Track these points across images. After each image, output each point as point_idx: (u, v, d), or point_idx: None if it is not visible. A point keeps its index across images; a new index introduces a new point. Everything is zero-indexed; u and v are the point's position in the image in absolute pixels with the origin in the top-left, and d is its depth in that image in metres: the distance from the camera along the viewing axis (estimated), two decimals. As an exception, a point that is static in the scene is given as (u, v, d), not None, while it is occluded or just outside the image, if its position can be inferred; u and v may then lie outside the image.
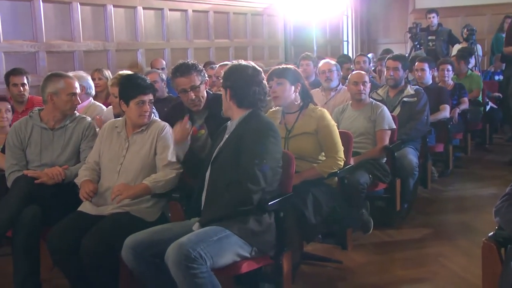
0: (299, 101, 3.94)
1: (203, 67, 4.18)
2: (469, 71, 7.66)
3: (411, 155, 5.01)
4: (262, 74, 3.23)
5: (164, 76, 5.64)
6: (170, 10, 8.19)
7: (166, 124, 3.60)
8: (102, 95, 5.75)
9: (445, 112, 6.06)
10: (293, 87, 3.89)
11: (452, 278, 3.90)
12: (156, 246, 2.90)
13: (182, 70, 3.79)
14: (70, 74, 4.08)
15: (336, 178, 3.93)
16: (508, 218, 2.61)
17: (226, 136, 3.18)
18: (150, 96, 3.52)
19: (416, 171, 5.02)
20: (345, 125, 4.75)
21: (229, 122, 3.26)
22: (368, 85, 4.89)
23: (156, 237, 2.97)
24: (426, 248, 4.42)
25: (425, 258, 4.23)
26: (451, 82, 6.88)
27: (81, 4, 6.90)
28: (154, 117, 3.68)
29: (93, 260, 3.10)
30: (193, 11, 8.59)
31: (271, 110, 4.14)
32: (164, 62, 7.41)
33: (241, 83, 3.14)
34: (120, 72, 4.32)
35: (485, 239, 2.68)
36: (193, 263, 2.68)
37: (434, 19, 9.35)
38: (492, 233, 2.69)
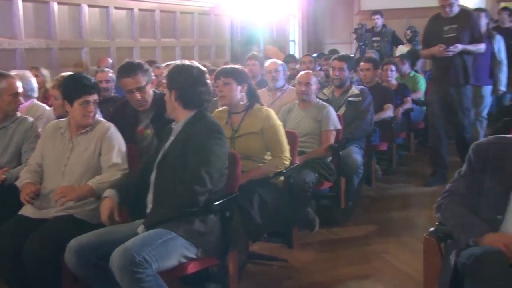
0: (245, 101, 3.96)
1: (146, 66, 4.13)
2: (413, 72, 7.85)
3: (356, 154, 5.09)
4: (207, 74, 3.23)
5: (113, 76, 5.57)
6: (115, 8, 8.10)
7: (111, 124, 3.55)
8: (39, 94, 5.60)
9: (389, 111, 6.19)
10: (239, 87, 3.91)
11: (396, 273, 3.99)
12: (101, 249, 2.86)
13: (128, 70, 3.76)
14: (14, 73, 3.99)
15: (282, 177, 3.96)
16: (448, 215, 2.69)
17: (172, 138, 3.16)
18: (95, 96, 3.47)
19: (361, 170, 5.11)
20: (292, 124, 4.79)
21: (173, 123, 3.25)
22: (314, 86, 4.94)
23: (101, 239, 2.93)
24: (371, 245, 4.51)
25: (370, 255, 4.31)
26: (394, 82, 7.04)
27: (23, 0, 6.74)
28: (99, 118, 3.62)
29: (36, 266, 3.01)
30: (139, 9, 8.52)
31: (217, 110, 4.14)
32: (110, 61, 7.31)
33: (187, 84, 3.12)
34: (63, 74, 4.23)
35: (426, 235, 2.76)
36: (138, 268, 2.66)
37: (379, 21, 9.54)
38: (433, 228, 2.77)
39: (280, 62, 5.81)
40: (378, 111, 5.98)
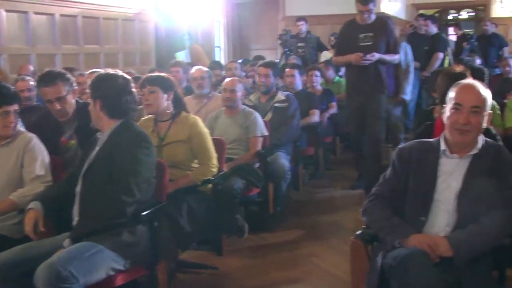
0: (171, 109, 3.94)
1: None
2: (337, 77, 8.02)
3: (283, 159, 5.15)
4: (132, 82, 3.19)
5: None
6: (35, 13, 7.84)
7: (33, 135, 3.44)
8: None
9: (315, 116, 6.31)
10: (165, 95, 3.89)
11: (324, 276, 4.06)
12: (24, 265, 2.76)
13: (47, 79, 3.66)
14: None
15: (210, 185, 3.96)
16: (374, 218, 2.78)
17: (97, 148, 3.09)
18: (15, 106, 3.36)
19: (288, 175, 5.17)
20: (218, 132, 4.80)
21: (98, 133, 3.19)
22: (240, 93, 4.97)
23: (24, 255, 2.82)
24: (300, 249, 4.57)
25: (299, 259, 4.37)
26: (319, 88, 7.17)
27: None
28: (20, 128, 3.51)
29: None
30: (61, 15, 8.28)
31: (143, 118, 4.10)
32: (32, 68, 7.07)
33: (112, 93, 3.07)
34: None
35: (353, 238, 2.83)
36: (64, 283, 2.58)
37: (303, 27, 9.68)
38: (359, 231, 2.85)
39: (205, 69, 5.80)
40: (304, 116, 6.07)
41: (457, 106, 2.68)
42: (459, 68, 3.80)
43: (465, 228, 2.57)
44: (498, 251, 2.64)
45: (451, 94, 2.75)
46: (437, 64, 8.23)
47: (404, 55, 6.78)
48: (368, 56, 5.48)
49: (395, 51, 5.79)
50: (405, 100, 7.18)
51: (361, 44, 5.60)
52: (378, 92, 5.76)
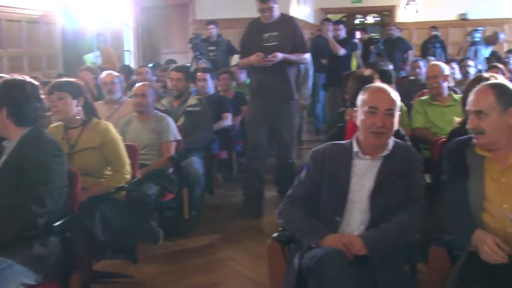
0: (82, 115, 3.84)
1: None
2: (248, 80, 8.08)
3: (197, 164, 5.13)
4: (41, 89, 3.08)
5: None
6: None
7: None
8: None
9: (227, 120, 6.33)
10: (75, 101, 3.79)
11: (242, 279, 4.09)
12: None
13: None
14: None
15: (124, 191, 3.90)
16: (290, 219, 2.82)
17: (4, 157, 2.96)
18: None
19: (202, 179, 5.16)
20: (131, 137, 4.72)
21: (5, 142, 3.05)
22: (151, 97, 4.91)
23: None
24: (216, 253, 4.57)
25: (216, 263, 4.37)
26: (231, 91, 7.20)
27: None
28: None
29: None
30: (-41, 17, 7.90)
31: (52, 125, 3.97)
32: None
33: (20, 100, 2.95)
34: None
35: (270, 240, 2.87)
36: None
37: (214, 30, 9.69)
38: (276, 234, 2.88)
39: (116, 73, 5.70)
40: (217, 120, 6.08)
41: (372, 110, 2.76)
42: (367, 71, 3.91)
43: (378, 226, 2.67)
44: (409, 247, 2.76)
45: (364, 97, 2.83)
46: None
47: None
48: (269, 57, 5.09)
49: (303, 49, 5.42)
50: (305, 106, 7.14)
51: (265, 44, 5.21)
52: (286, 98, 5.38)
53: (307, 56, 5.56)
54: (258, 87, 5.41)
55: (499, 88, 2.65)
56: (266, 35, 5.24)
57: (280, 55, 5.12)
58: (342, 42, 8.30)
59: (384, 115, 2.75)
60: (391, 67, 7.55)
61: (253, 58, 5.21)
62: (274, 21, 5.25)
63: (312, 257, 2.55)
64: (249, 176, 5.57)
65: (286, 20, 5.37)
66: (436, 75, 4.98)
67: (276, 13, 5.25)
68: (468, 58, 7.47)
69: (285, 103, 5.39)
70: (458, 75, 7.04)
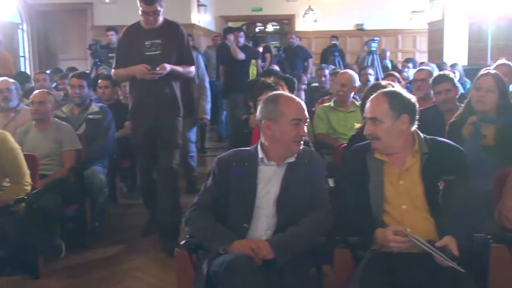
0: (-24, 125, 3.69)
1: None
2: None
3: (99, 173, 5.03)
4: None
5: None
6: None
7: None
8: None
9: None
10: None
11: (150, 289, 4.04)
12: None
13: None
14: None
15: (23, 204, 3.77)
16: (197, 226, 2.84)
17: None
18: None
19: (105, 189, 5.06)
20: (30, 147, 4.55)
21: None
22: (50, 105, 4.78)
23: None
24: (122, 264, 4.47)
25: (122, 274, 4.28)
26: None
27: None
28: None
29: None
30: None
31: None
32: None
33: None
34: None
35: (178, 248, 2.87)
36: None
37: (113, 37, 9.57)
38: (184, 241, 2.89)
39: (12, 80, 5.48)
40: (119, 128, 5.98)
41: (298, 121, 2.84)
42: (271, 79, 4.01)
43: (285, 230, 2.74)
44: (315, 249, 2.85)
45: (282, 109, 2.85)
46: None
47: (196, 68, 5.68)
48: (157, 69, 4.45)
49: (190, 61, 4.77)
50: (208, 121, 6.74)
51: (147, 53, 4.54)
52: (172, 115, 4.73)
53: (193, 69, 4.90)
54: (139, 104, 4.71)
55: (392, 96, 2.81)
56: (147, 43, 4.56)
57: (168, 67, 4.50)
58: (241, 49, 8.43)
59: (304, 125, 2.87)
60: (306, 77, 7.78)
61: (138, 70, 4.49)
62: (157, 27, 4.58)
63: (220, 263, 2.59)
64: (147, 197, 5.14)
65: (171, 27, 4.68)
66: (345, 84, 5.16)
67: (161, 17, 4.60)
68: (368, 66, 7.78)
69: (169, 121, 4.73)
70: (358, 83, 7.33)
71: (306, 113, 2.90)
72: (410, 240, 2.56)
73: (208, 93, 6.56)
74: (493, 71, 3.77)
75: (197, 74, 6.04)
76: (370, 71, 7.09)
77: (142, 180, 5.14)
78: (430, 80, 4.62)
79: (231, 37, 8.41)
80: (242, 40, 8.63)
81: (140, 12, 4.53)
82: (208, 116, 6.53)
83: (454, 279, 2.49)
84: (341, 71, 5.89)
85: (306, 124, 2.90)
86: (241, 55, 8.26)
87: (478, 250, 2.65)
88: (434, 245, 2.52)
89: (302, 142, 2.88)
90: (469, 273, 2.51)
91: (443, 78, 4.38)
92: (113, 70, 4.87)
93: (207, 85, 6.53)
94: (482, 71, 3.83)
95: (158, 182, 4.80)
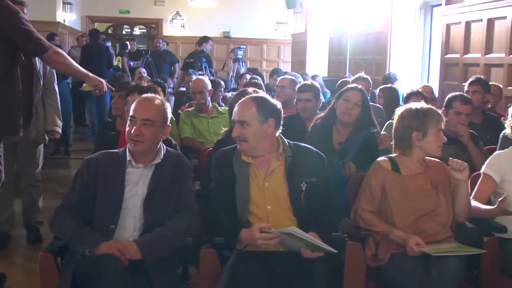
0: None
1: None
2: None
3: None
4: None
5: None
6: None
7: None
8: None
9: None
10: None
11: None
12: None
13: None
14: None
15: None
16: (63, 228, 2.79)
17: None
18: None
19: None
20: None
21: None
22: None
23: None
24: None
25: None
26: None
27: None
28: None
29: None
30: None
31: None
32: None
33: None
34: None
35: (42, 252, 2.79)
36: None
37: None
38: (48, 244, 2.83)
39: None
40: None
41: (132, 118, 2.90)
42: (144, 82, 4.02)
43: (152, 231, 2.78)
44: (182, 250, 2.92)
45: (132, 106, 2.96)
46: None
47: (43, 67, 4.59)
48: None
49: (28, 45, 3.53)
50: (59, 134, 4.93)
51: None
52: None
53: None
54: None
55: (260, 101, 2.97)
56: None
57: None
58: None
59: (141, 124, 2.88)
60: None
61: None
62: None
63: (86, 265, 2.58)
64: None
65: None
66: (202, 91, 5.23)
67: None
68: (246, 73, 8.00)
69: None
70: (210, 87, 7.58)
71: (147, 114, 2.89)
72: (277, 236, 2.69)
73: (56, 96, 4.82)
74: (360, 87, 4.01)
75: (45, 74, 4.64)
76: (248, 76, 7.31)
77: None
78: (291, 88, 4.84)
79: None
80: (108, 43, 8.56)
81: None
82: (59, 129, 4.81)
83: (315, 273, 2.67)
84: (194, 78, 5.86)
85: (150, 126, 2.89)
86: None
87: (335, 246, 2.85)
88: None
89: (138, 142, 2.87)
90: (327, 267, 2.71)
91: (306, 88, 4.61)
92: None
93: (55, 87, 4.81)
94: (351, 85, 4.08)
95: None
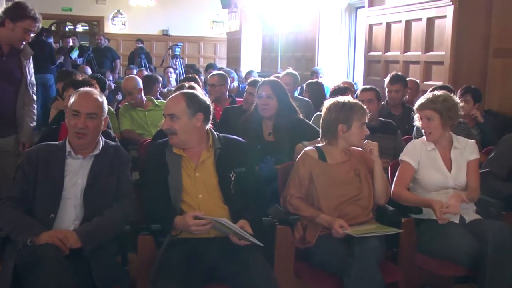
0: None
1: None
2: None
3: None
4: None
5: None
6: None
7: None
8: None
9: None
10: None
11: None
12: None
13: None
14: None
15: None
16: (4, 219, 2.71)
17: None
18: None
19: None
20: None
21: None
22: None
23: None
24: None
25: None
26: None
27: None
28: None
29: None
30: None
31: None
32: None
33: None
34: None
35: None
36: None
37: None
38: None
39: None
40: None
41: (75, 113, 2.82)
42: (86, 78, 3.92)
43: (92, 220, 2.72)
44: (121, 237, 2.87)
45: (71, 101, 2.88)
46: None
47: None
48: None
49: None
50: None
51: None
52: None
53: None
54: None
55: (189, 97, 2.94)
56: None
57: None
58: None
59: (86, 118, 2.82)
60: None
61: None
62: None
63: (28, 254, 2.50)
64: None
65: None
66: (131, 92, 5.12)
67: None
68: (169, 66, 7.94)
69: None
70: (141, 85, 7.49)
71: (91, 108, 2.83)
72: (209, 222, 2.68)
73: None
74: (267, 80, 4.03)
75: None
76: (171, 69, 7.24)
77: None
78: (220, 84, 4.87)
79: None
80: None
81: None
82: (29, 140, 4.00)
83: (246, 257, 2.68)
84: (125, 78, 5.65)
85: (94, 119, 2.83)
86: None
87: (266, 231, 2.86)
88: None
89: (83, 135, 2.81)
90: (258, 250, 2.72)
91: (254, 84, 4.48)
92: None
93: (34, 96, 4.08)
94: (260, 82, 4.04)
95: None
